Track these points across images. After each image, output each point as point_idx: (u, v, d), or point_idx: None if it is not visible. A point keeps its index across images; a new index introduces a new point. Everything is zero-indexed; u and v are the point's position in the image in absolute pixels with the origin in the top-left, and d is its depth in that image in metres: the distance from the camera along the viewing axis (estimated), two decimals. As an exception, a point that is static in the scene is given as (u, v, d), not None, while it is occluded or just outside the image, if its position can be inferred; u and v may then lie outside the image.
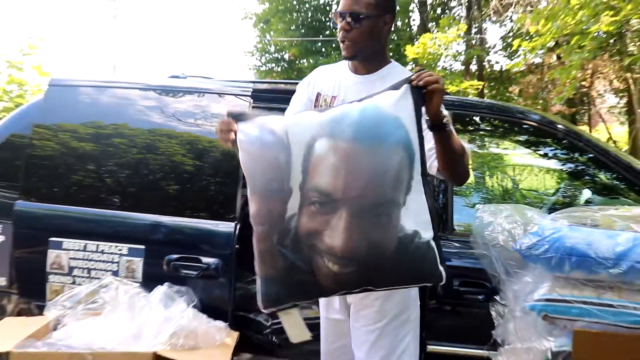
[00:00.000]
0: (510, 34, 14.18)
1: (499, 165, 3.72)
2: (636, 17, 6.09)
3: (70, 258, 2.31)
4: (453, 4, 16.55)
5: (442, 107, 1.55)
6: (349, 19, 1.76)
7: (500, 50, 16.04)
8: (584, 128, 14.43)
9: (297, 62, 17.99)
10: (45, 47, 5.93)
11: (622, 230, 1.90)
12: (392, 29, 1.96)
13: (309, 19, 17.78)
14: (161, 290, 2.13)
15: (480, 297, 2.15)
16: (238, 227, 2.29)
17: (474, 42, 14.51)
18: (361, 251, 1.45)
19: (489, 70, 16.03)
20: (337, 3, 2.03)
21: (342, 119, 1.51)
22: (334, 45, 16.44)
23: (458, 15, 16.13)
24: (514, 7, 10.77)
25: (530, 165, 3.69)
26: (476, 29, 15.04)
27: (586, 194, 2.91)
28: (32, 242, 2.38)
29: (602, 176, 2.68)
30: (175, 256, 2.27)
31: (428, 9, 16.21)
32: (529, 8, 9.80)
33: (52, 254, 2.32)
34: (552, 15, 6.01)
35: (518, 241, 2.00)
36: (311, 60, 16.61)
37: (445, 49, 12.09)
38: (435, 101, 1.50)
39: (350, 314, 1.85)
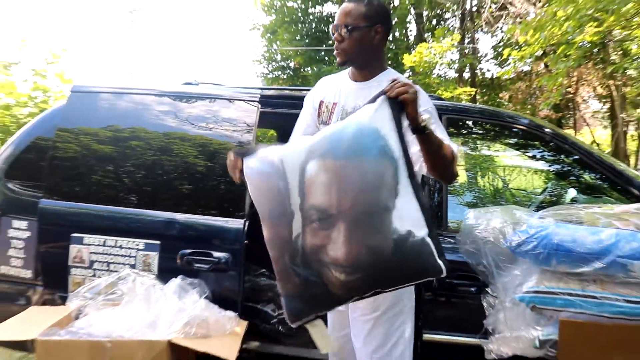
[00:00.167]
0: (501, 43, 14.12)
1: (490, 166, 3.71)
2: (618, 28, 6.08)
3: (91, 252, 2.32)
4: (447, 15, 16.50)
5: (420, 111, 1.54)
6: (341, 31, 1.80)
7: (491, 58, 16.01)
8: (569, 131, 14.41)
9: (301, 70, 17.95)
10: (68, 56, 5.91)
11: (605, 227, 1.90)
12: (390, 39, 1.97)
13: (313, 30, 17.73)
14: (175, 282, 2.14)
15: (472, 289, 2.15)
16: (247, 223, 2.29)
17: (467, 51, 14.46)
18: (363, 258, 1.46)
19: (481, 77, 16.00)
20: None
21: (327, 139, 1.54)
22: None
23: (452, 26, 16.08)
24: (505, 19, 10.75)
25: (519, 166, 3.69)
26: (469, 39, 15.02)
27: (571, 193, 2.91)
28: (55, 238, 2.38)
29: (587, 176, 2.68)
30: (188, 251, 2.28)
31: (424, 21, 16.16)
32: (518, 19, 9.78)
33: (74, 249, 2.33)
34: (540, 26, 5.99)
35: (508, 238, 2.00)
36: (315, 68, 16.56)
37: (440, 58, 12.04)
38: (410, 108, 1.49)
39: (349, 305, 1.86)
